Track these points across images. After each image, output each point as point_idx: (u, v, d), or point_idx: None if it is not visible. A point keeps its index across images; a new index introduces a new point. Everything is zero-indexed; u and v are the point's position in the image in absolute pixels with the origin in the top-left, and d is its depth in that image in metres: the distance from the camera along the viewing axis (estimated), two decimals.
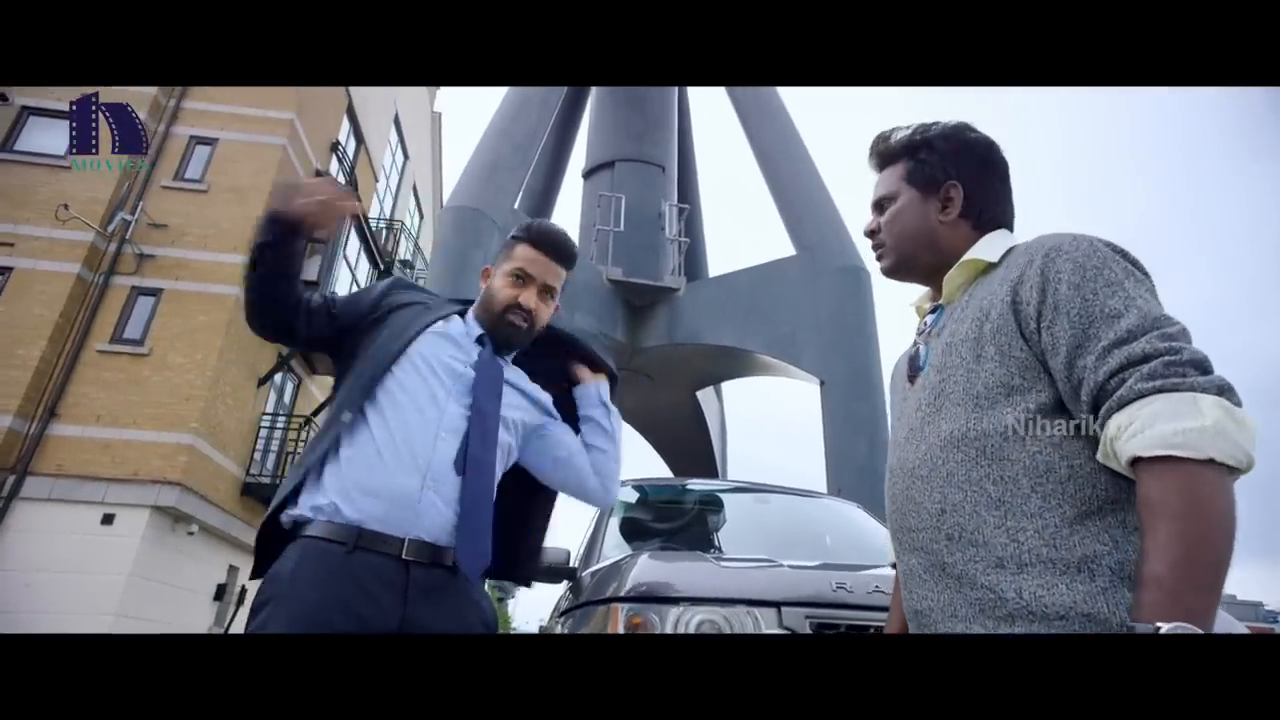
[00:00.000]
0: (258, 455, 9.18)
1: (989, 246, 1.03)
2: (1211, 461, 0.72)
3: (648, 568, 1.72)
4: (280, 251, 1.25)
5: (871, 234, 1.16)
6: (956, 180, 1.07)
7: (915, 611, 0.97)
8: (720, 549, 2.85)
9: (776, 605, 1.51)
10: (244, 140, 9.35)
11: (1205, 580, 0.70)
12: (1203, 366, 0.77)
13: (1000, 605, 0.83)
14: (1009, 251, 0.99)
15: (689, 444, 12.31)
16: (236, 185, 8.98)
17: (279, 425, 9.64)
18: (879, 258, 1.16)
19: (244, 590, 8.98)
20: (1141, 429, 0.76)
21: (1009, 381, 0.90)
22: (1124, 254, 0.90)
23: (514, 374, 1.43)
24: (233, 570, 8.92)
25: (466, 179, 8.32)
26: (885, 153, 1.16)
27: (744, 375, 10.74)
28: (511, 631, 17.71)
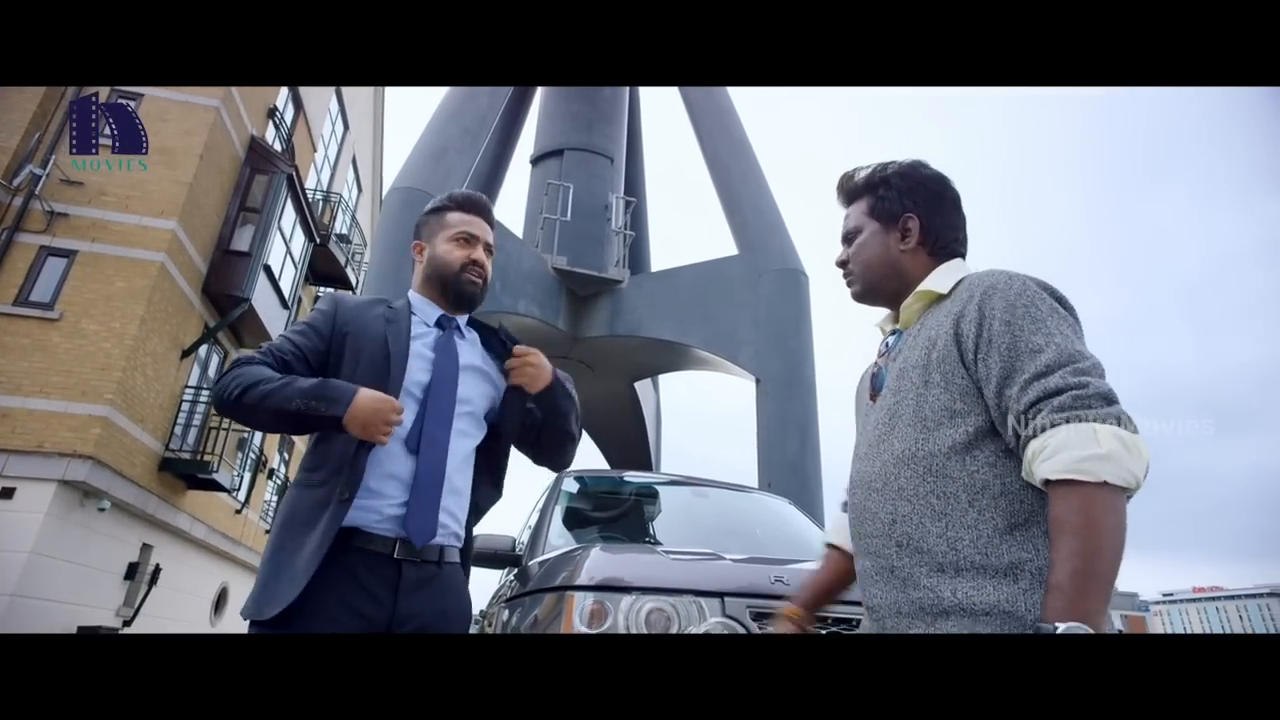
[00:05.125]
0: (179, 430, 8.78)
1: (942, 278, 1.14)
2: (1105, 484, 0.86)
3: (601, 559, 1.84)
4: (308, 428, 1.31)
5: (842, 264, 1.27)
6: (913, 213, 1.19)
7: (869, 607, 1.10)
8: (658, 539, 3.00)
9: (720, 596, 1.67)
10: (173, 99, 8.84)
11: (1097, 588, 0.83)
12: (1108, 398, 0.90)
13: (938, 604, 0.96)
14: (960, 283, 1.10)
15: (625, 434, 12.47)
16: (163, 146, 8.47)
17: (203, 399, 9.23)
18: (849, 284, 1.27)
19: (158, 569, 8.61)
20: (1051, 454, 0.89)
21: (952, 406, 1.01)
22: (1051, 291, 1.02)
23: (472, 352, 1.51)
24: (146, 548, 8.52)
25: (414, 161, 8.16)
26: (850, 190, 1.27)
27: (682, 369, 10.96)
28: None
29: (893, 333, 1.22)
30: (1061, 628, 0.80)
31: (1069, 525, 0.86)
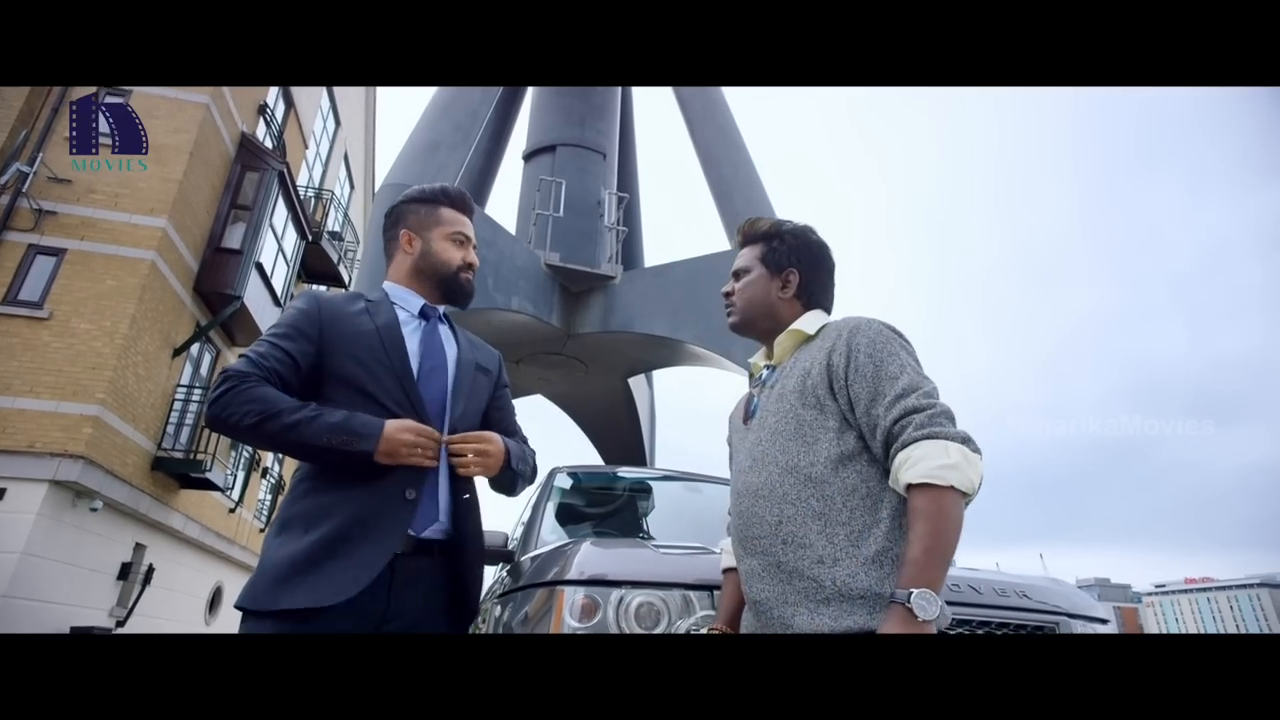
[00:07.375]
0: (171, 429, 8.75)
1: (810, 322, 1.36)
2: (952, 488, 1.06)
3: (591, 554, 1.84)
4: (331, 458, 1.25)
5: (727, 295, 1.46)
6: (796, 268, 1.40)
7: (755, 602, 1.23)
8: (651, 534, 3.01)
9: (710, 589, 1.67)
10: (162, 96, 8.77)
11: (939, 563, 1.03)
12: (951, 416, 1.13)
13: (819, 591, 1.12)
14: (824, 327, 1.33)
15: (619, 430, 12.49)
16: (153, 143, 8.37)
17: (195, 398, 9.20)
18: (729, 314, 1.46)
19: (151, 569, 8.58)
20: (914, 464, 1.08)
21: (825, 424, 1.21)
22: (897, 333, 1.25)
23: (452, 343, 1.51)
24: (139, 548, 8.49)
25: (406, 156, 8.13)
26: (749, 235, 1.48)
27: (676, 364, 10.98)
28: None
29: (766, 367, 1.41)
30: (915, 593, 0.99)
31: (923, 515, 1.05)
